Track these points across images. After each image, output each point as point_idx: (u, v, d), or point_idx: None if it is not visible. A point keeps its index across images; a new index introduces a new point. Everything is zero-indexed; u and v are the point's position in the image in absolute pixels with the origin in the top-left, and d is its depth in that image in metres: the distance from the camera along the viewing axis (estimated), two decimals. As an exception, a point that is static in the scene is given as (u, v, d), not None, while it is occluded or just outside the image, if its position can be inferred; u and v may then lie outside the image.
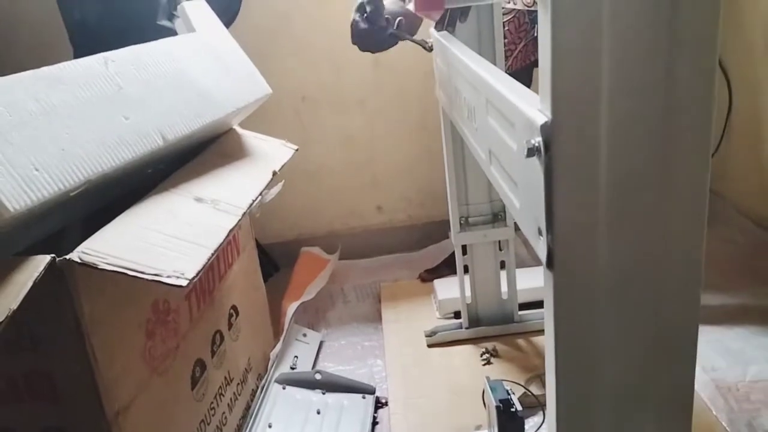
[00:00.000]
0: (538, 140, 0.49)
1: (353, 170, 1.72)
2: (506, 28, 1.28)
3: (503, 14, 1.19)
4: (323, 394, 1.19)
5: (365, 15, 1.06)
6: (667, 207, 0.50)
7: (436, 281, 1.46)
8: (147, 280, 0.67)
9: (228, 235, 0.81)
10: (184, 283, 0.67)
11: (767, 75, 1.46)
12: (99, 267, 0.66)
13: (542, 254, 0.53)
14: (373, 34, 1.07)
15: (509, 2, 1.29)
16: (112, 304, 0.75)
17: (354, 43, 1.11)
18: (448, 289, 1.40)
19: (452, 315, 1.37)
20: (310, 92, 1.64)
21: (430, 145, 1.65)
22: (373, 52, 1.13)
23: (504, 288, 1.30)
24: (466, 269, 1.29)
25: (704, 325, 1.28)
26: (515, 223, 1.25)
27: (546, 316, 0.56)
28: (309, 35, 1.59)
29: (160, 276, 0.67)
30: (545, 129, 0.48)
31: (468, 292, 1.29)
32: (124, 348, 0.77)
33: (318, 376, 1.21)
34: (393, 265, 1.67)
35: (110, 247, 0.69)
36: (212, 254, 0.74)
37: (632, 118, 0.48)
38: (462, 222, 1.25)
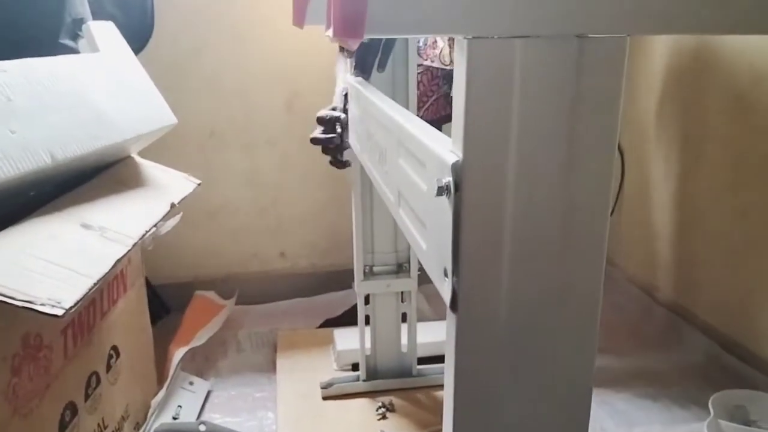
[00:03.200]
0: (448, 180, 0.48)
1: (257, 212, 1.67)
2: (419, 79, 1.31)
3: (417, 66, 1.21)
4: (207, 446, 1.12)
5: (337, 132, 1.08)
6: (568, 257, 0.51)
7: (335, 331, 1.42)
8: (17, 306, 0.60)
9: (115, 266, 0.75)
10: (60, 312, 0.61)
11: (657, 149, 1.56)
12: (-40, 290, 0.59)
13: (446, 296, 0.51)
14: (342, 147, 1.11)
15: (426, 60, 1.32)
16: (-28, 335, 0.67)
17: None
18: (347, 339, 1.36)
19: (350, 367, 1.33)
20: (219, 128, 1.59)
21: (338, 193, 1.64)
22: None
23: (404, 341, 1.28)
24: (367, 320, 1.27)
25: (594, 386, 1.31)
26: (419, 275, 1.26)
27: (447, 360, 0.54)
28: (220, 72, 1.56)
29: (33, 303, 0.61)
30: (456, 168, 0.48)
31: (368, 344, 1.27)
32: (-19, 384, 0.69)
33: (202, 428, 1.13)
34: (292, 310, 1.62)
35: (-24, 269, 0.62)
36: (94, 284, 0.68)
37: (538, 165, 0.48)
38: (366, 270, 1.23)
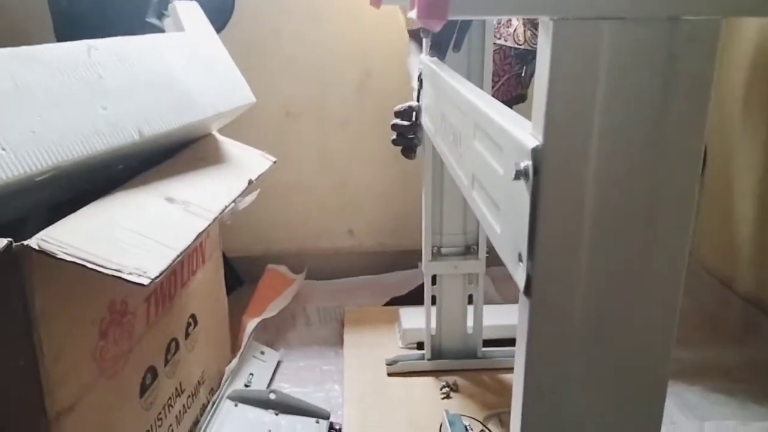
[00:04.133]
0: (527, 164, 0.48)
1: (328, 191, 1.70)
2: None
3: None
4: (276, 415, 1.15)
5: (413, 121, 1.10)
6: (649, 250, 0.50)
7: (401, 310, 1.43)
8: (107, 275, 0.64)
9: (197, 239, 0.78)
10: (146, 281, 0.64)
11: (741, 139, 1.49)
12: (57, 256, 0.63)
13: (520, 281, 0.51)
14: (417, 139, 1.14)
15: (500, 38, 1.31)
16: (66, 298, 0.71)
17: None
18: (412, 318, 1.38)
19: (415, 345, 1.35)
20: (294, 108, 1.62)
21: (407, 174, 1.65)
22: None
23: (470, 322, 1.28)
24: (433, 300, 1.27)
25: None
26: (487, 258, 1.25)
27: (518, 346, 0.54)
28: (297, 52, 1.58)
29: (121, 272, 0.64)
30: (535, 152, 0.48)
31: (433, 324, 1.28)
32: (73, 345, 0.74)
33: (272, 396, 1.17)
34: (359, 288, 1.64)
35: (72, 237, 0.66)
36: (178, 256, 0.72)
37: (621, 153, 0.48)
38: (434, 251, 1.24)
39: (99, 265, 0.64)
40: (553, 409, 0.54)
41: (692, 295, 1.57)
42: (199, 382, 1.11)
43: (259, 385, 1.25)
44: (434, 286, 1.26)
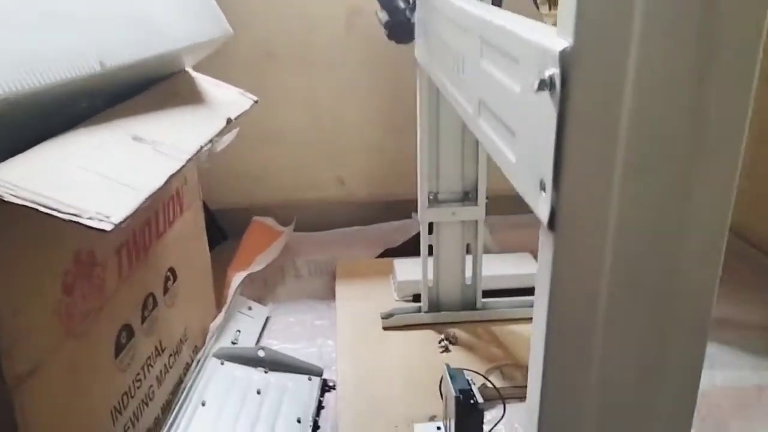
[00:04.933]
0: (553, 71, 0.40)
1: (316, 139, 1.61)
2: None
3: None
4: (266, 372, 1.09)
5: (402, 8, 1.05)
6: (693, 177, 0.42)
7: (395, 261, 1.36)
8: (63, 219, 0.55)
9: (168, 182, 0.69)
10: (109, 227, 0.56)
11: None
12: (4, 199, 0.55)
13: (543, 212, 0.44)
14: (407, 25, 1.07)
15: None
16: (21, 247, 0.63)
17: (392, 38, 1.09)
18: (407, 270, 1.31)
19: (411, 298, 1.28)
20: (276, 48, 1.52)
21: (400, 120, 1.56)
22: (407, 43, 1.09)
23: (468, 273, 1.21)
24: (430, 250, 1.20)
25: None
26: (486, 204, 1.18)
27: (538, 289, 0.47)
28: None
29: (80, 216, 0.56)
30: (564, 56, 0.39)
31: (430, 275, 1.21)
32: (33, 300, 0.66)
33: (261, 353, 1.10)
34: (350, 239, 1.57)
35: (22, 178, 0.57)
36: (146, 199, 0.63)
37: (665, 58, 0.39)
38: (430, 197, 1.16)
39: (53, 209, 0.56)
40: (578, 357, 0.47)
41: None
42: (181, 340, 1.04)
43: (246, 342, 1.18)
44: (431, 235, 1.19)
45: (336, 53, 1.53)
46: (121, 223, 0.58)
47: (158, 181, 0.68)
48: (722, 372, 1.10)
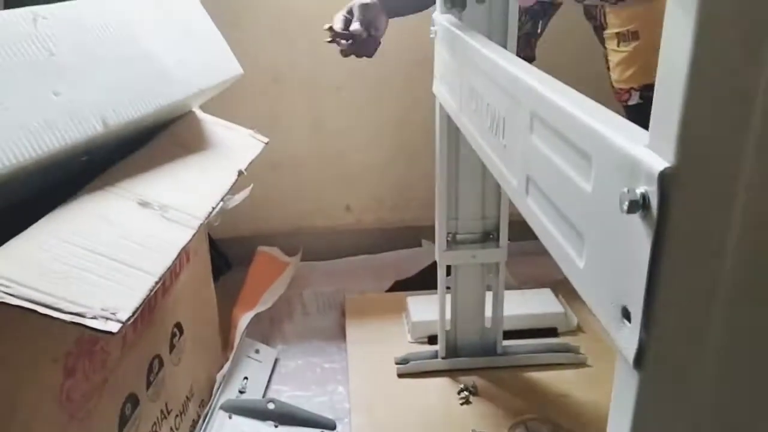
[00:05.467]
0: (648, 190, 0.34)
1: (322, 163, 1.55)
2: None
3: None
4: (276, 427, 1.03)
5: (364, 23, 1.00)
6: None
7: (409, 298, 1.30)
8: (65, 321, 0.49)
9: (179, 255, 0.63)
10: (116, 328, 0.50)
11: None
12: (1, 301, 0.48)
13: (628, 347, 0.38)
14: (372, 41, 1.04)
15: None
16: (19, 340, 0.57)
17: (350, 53, 1.04)
18: (422, 309, 1.25)
19: (426, 339, 1.22)
20: (283, 74, 1.45)
21: (409, 144, 1.50)
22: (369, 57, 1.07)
23: (488, 314, 1.15)
24: (447, 289, 1.14)
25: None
26: (509, 244, 1.11)
27: (614, 425, 0.41)
28: (286, 9, 1.40)
29: (83, 317, 0.50)
30: (665, 178, 0.33)
31: (447, 317, 1.15)
32: (32, 391, 0.60)
33: (271, 406, 1.05)
34: (359, 268, 1.51)
35: (18, 270, 0.51)
36: (156, 283, 0.57)
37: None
38: (449, 239, 1.10)
39: (53, 308, 0.50)
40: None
41: None
42: (187, 397, 0.97)
43: (254, 390, 1.12)
44: (449, 277, 1.13)
45: (342, 77, 1.47)
46: (129, 319, 0.52)
47: (169, 258, 0.62)
48: None
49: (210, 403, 1.03)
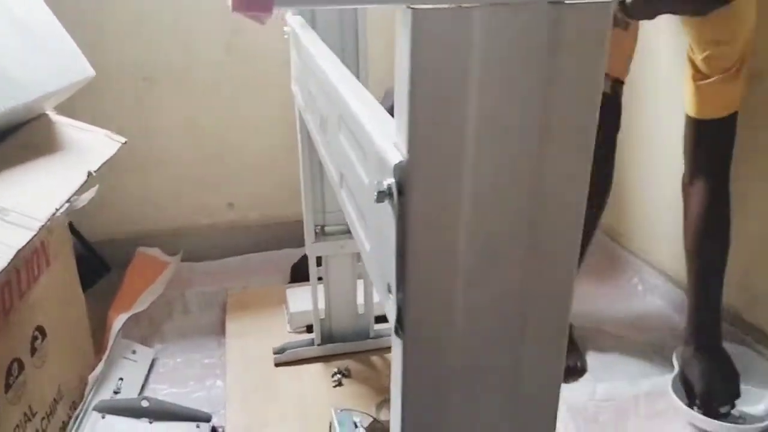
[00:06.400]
0: (390, 182, 0.39)
1: (201, 161, 1.55)
2: None
3: None
4: (150, 423, 1.05)
5: None
6: (535, 269, 0.43)
7: (288, 290, 1.34)
8: None
9: (16, 256, 0.65)
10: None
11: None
12: None
13: (391, 315, 0.43)
14: None
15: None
16: None
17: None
18: (301, 300, 1.29)
19: (305, 328, 1.27)
20: (154, 74, 1.45)
21: (289, 140, 1.52)
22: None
23: (360, 301, 1.21)
24: (320, 279, 1.19)
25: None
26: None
27: (393, 391, 0.46)
28: (153, 8, 1.40)
29: None
30: (400, 170, 0.39)
31: (322, 305, 1.19)
32: None
33: (145, 403, 1.06)
34: (243, 267, 1.53)
35: None
36: (-13, 285, 0.58)
37: (501, 163, 0.40)
38: (317, 231, 1.15)
39: None
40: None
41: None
42: (55, 399, 0.98)
43: (130, 390, 1.13)
44: (320, 267, 1.18)
45: (217, 75, 1.48)
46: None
47: (3, 260, 0.63)
48: (602, 384, 1.15)
49: (82, 404, 1.03)
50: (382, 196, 0.40)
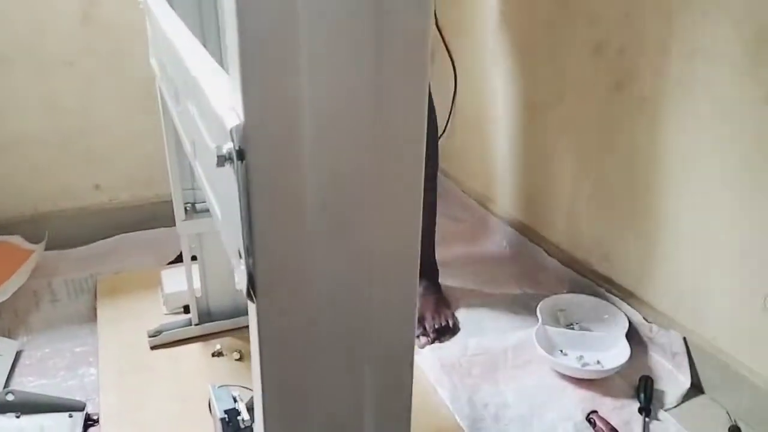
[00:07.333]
0: (229, 146, 0.40)
1: (61, 142, 1.47)
2: None
3: None
4: (18, 417, 1.00)
5: None
6: (382, 223, 0.45)
7: (162, 272, 1.31)
8: None
9: None
10: None
11: (492, 60, 1.54)
12: None
13: (242, 282, 0.44)
14: None
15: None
16: None
17: None
18: (175, 281, 1.26)
19: (181, 310, 1.24)
20: (5, 52, 1.35)
21: (155, 117, 1.46)
22: None
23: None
24: (194, 258, 1.17)
25: (433, 303, 1.32)
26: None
27: (253, 356, 0.47)
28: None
29: None
30: (237, 133, 0.39)
31: (197, 285, 1.17)
32: None
33: (10, 397, 1.00)
34: (114, 251, 1.47)
35: None
36: None
37: (339, 118, 0.41)
38: (188, 208, 1.12)
39: None
40: (296, 411, 0.49)
41: (453, 216, 1.64)
42: None
43: (-7, 385, 1.06)
44: (194, 245, 1.15)
45: (74, 49, 1.40)
46: None
47: None
48: (471, 339, 1.21)
49: (-64, 406, 0.96)
50: (222, 160, 0.40)
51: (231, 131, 0.39)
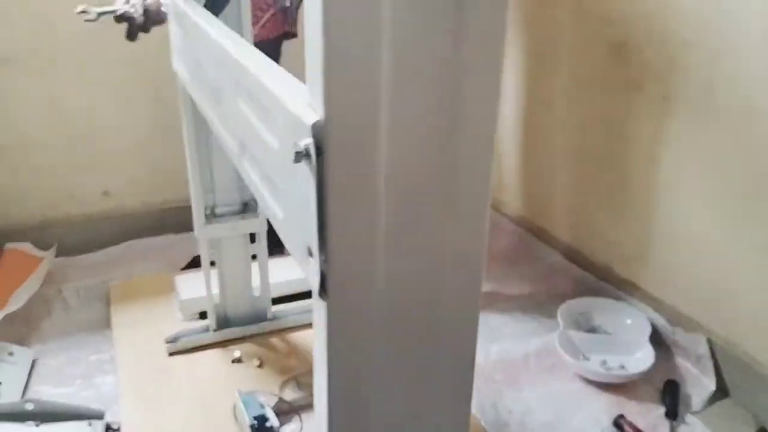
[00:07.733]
0: (308, 142, 0.39)
1: (69, 147, 1.44)
2: None
3: None
4: (37, 426, 0.98)
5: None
6: (452, 223, 0.44)
7: (177, 277, 1.29)
8: None
9: None
10: None
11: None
12: None
13: (313, 280, 0.43)
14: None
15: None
16: None
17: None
18: (191, 286, 1.24)
19: (197, 316, 1.22)
20: (11, 53, 1.33)
21: (165, 120, 1.46)
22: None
23: (256, 283, 1.18)
24: (213, 264, 1.15)
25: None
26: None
27: (317, 356, 0.46)
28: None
29: None
30: (317, 129, 0.38)
31: (215, 290, 1.16)
32: None
33: (29, 406, 0.98)
34: (124, 258, 1.45)
35: None
36: None
37: (416, 117, 0.40)
38: (207, 213, 1.10)
39: None
40: (359, 410, 0.48)
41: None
42: None
43: (10, 393, 1.05)
44: (213, 250, 1.14)
45: (84, 52, 1.38)
46: None
47: None
48: (494, 345, 1.20)
49: (-47, 415, 0.94)
50: (300, 156, 0.39)
51: (312, 127, 0.38)
